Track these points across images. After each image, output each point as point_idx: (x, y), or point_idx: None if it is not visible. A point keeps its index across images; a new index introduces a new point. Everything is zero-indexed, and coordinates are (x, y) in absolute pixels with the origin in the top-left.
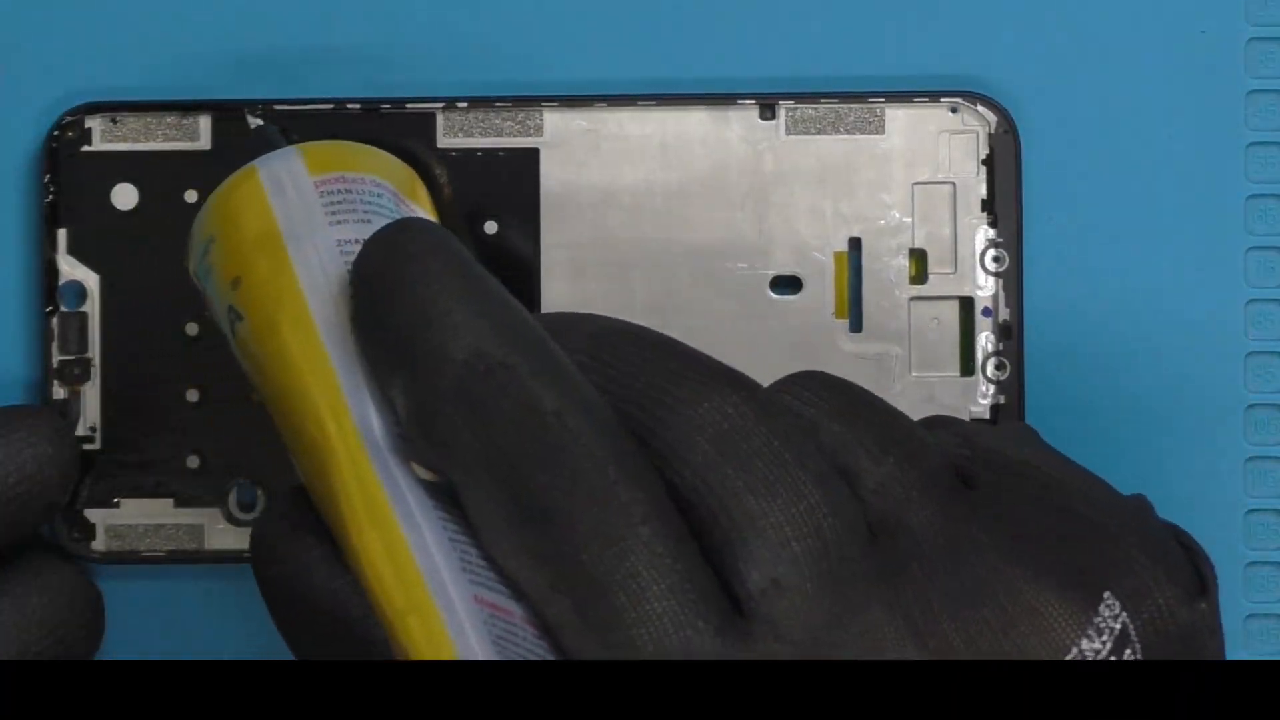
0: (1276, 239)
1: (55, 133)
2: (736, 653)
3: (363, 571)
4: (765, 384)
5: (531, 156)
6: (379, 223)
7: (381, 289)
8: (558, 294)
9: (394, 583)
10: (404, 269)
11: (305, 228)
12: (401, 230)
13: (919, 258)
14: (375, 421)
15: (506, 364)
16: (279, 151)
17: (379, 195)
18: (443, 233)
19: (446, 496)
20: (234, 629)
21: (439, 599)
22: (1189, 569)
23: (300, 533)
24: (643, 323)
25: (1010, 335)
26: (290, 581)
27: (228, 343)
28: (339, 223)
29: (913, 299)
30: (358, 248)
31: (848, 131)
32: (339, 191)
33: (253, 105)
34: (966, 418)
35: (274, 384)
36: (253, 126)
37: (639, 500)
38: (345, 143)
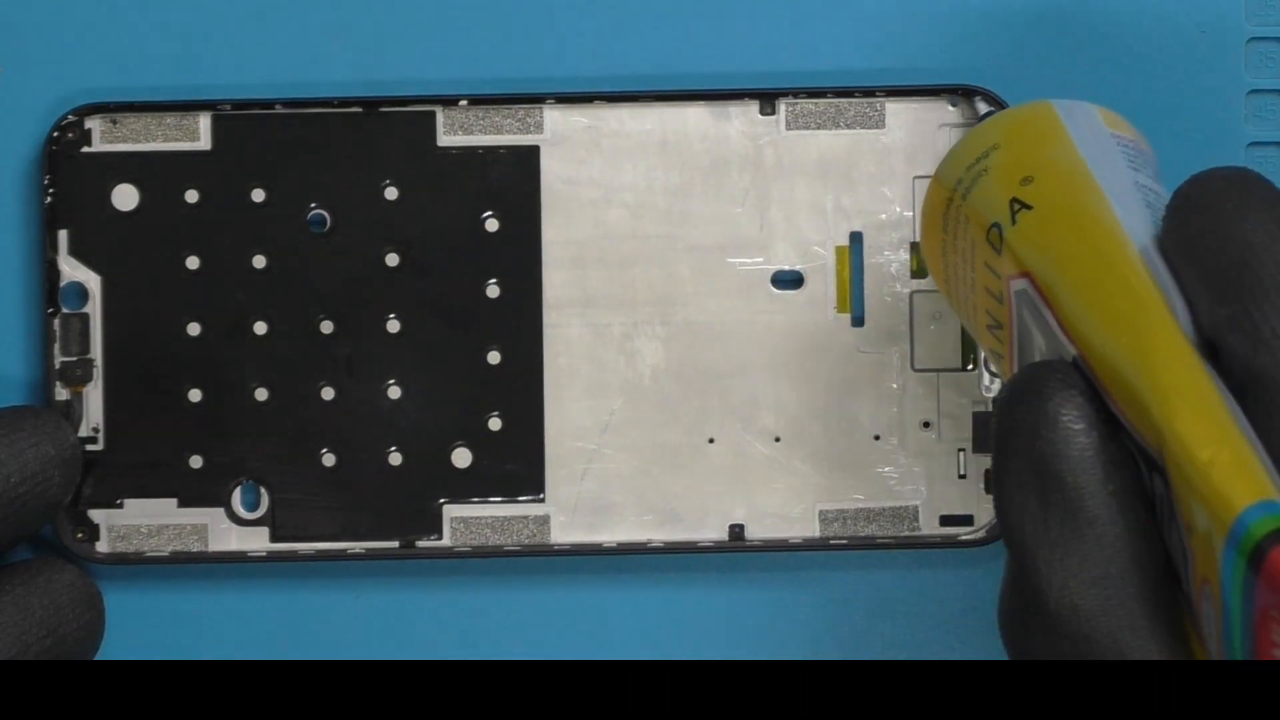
0: None
1: (55, 134)
2: None
3: (1179, 435)
4: (768, 379)
5: (532, 153)
6: (1163, 186)
7: (1226, 210)
8: (559, 290)
9: (1208, 433)
10: (1249, 197)
11: (1103, 157)
12: (1244, 175)
13: (920, 252)
14: (1180, 315)
15: None
16: (1073, 101)
17: (1159, 171)
18: (1273, 188)
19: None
20: (237, 629)
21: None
22: None
23: (1075, 391)
24: (644, 319)
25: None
26: (1056, 423)
27: (992, 235)
28: (1135, 169)
29: (914, 293)
30: (1151, 194)
31: (848, 126)
32: (1132, 147)
33: (251, 104)
34: (968, 413)
35: (1073, 255)
36: None
37: None
38: (1127, 120)
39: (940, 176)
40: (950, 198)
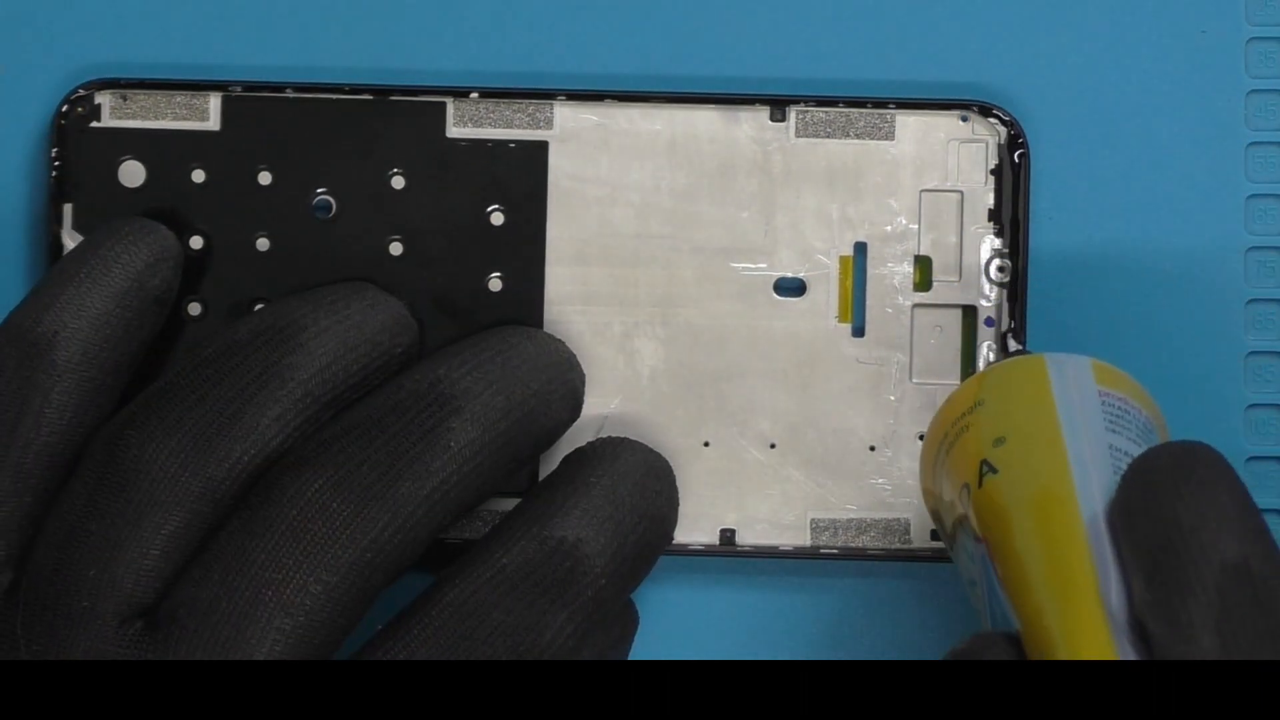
0: (1276, 239)
1: (64, 108)
2: None
3: None
4: (766, 385)
5: (540, 149)
6: (1145, 448)
7: (1163, 488)
8: (561, 287)
9: None
10: (1189, 477)
11: (1082, 419)
12: (1191, 452)
13: (924, 265)
14: (1114, 593)
15: (1268, 581)
16: (1071, 355)
17: (1148, 428)
18: (1227, 466)
19: None
20: None
21: None
22: None
23: None
24: (645, 319)
25: (1012, 345)
26: None
27: (963, 496)
28: (1113, 431)
29: (916, 306)
30: (1125, 459)
31: (857, 136)
32: (1118, 406)
33: (262, 87)
34: None
35: (1021, 525)
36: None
37: None
38: (1126, 374)
39: (934, 427)
40: (939, 451)
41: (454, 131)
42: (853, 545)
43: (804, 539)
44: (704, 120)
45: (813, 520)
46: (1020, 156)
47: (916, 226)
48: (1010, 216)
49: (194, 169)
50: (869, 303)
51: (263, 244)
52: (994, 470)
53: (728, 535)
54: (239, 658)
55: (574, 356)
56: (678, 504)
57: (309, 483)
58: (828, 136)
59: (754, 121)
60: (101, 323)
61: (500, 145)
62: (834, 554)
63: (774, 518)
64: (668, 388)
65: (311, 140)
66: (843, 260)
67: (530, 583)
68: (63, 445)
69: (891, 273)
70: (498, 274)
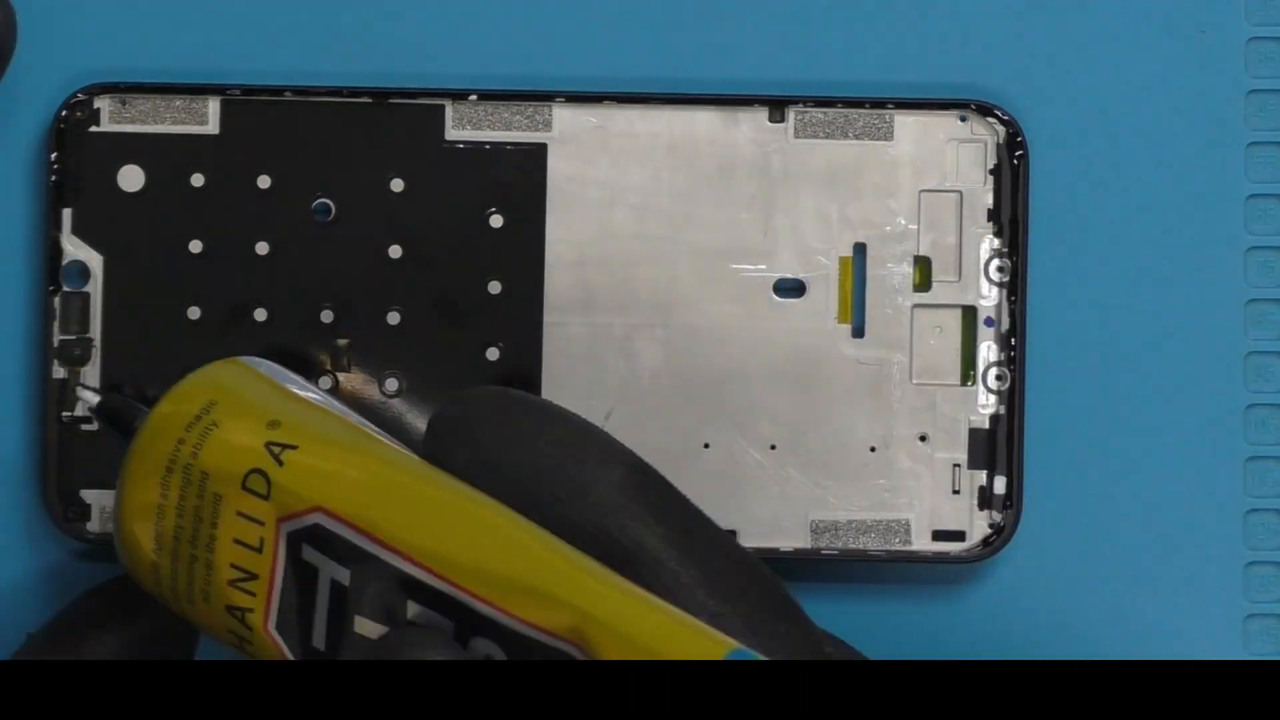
0: (1276, 239)
1: (64, 112)
2: None
3: None
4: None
5: (539, 151)
6: None
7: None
8: (560, 289)
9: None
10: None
11: (296, 384)
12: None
13: (923, 265)
14: None
15: None
16: (248, 357)
17: None
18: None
19: None
20: None
21: None
22: None
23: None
24: (645, 321)
25: (1012, 345)
26: None
27: (253, 482)
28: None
29: (916, 306)
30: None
31: (856, 136)
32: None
33: (261, 90)
34: (965, 427)
35: (370, 476)
36: (90, 405)
37: None
38: None
39: (150, 441)
40: (172, 459)
41: (453, 134)
42: (853, 547)
43: (804, 541)
44: (703, 121)
45: (813, 522)
46: (1019, 156)
47: (916, 227)
48: (1009, 216)
49: (193, 173)
50: (869, 303)
51: (262, 248)
52: (291, 446)
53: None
54: None
55: None
56: None
57: None
58: (827, 137)
59: (753, 122)
60: None
61: (499, 148)
62: (834, 555)
63: (774, 519)
64: (667, 389)
65: (311, 144)
66: (842, 261)
67: None
68: None
69: (891, 273)
70: (497, 277)
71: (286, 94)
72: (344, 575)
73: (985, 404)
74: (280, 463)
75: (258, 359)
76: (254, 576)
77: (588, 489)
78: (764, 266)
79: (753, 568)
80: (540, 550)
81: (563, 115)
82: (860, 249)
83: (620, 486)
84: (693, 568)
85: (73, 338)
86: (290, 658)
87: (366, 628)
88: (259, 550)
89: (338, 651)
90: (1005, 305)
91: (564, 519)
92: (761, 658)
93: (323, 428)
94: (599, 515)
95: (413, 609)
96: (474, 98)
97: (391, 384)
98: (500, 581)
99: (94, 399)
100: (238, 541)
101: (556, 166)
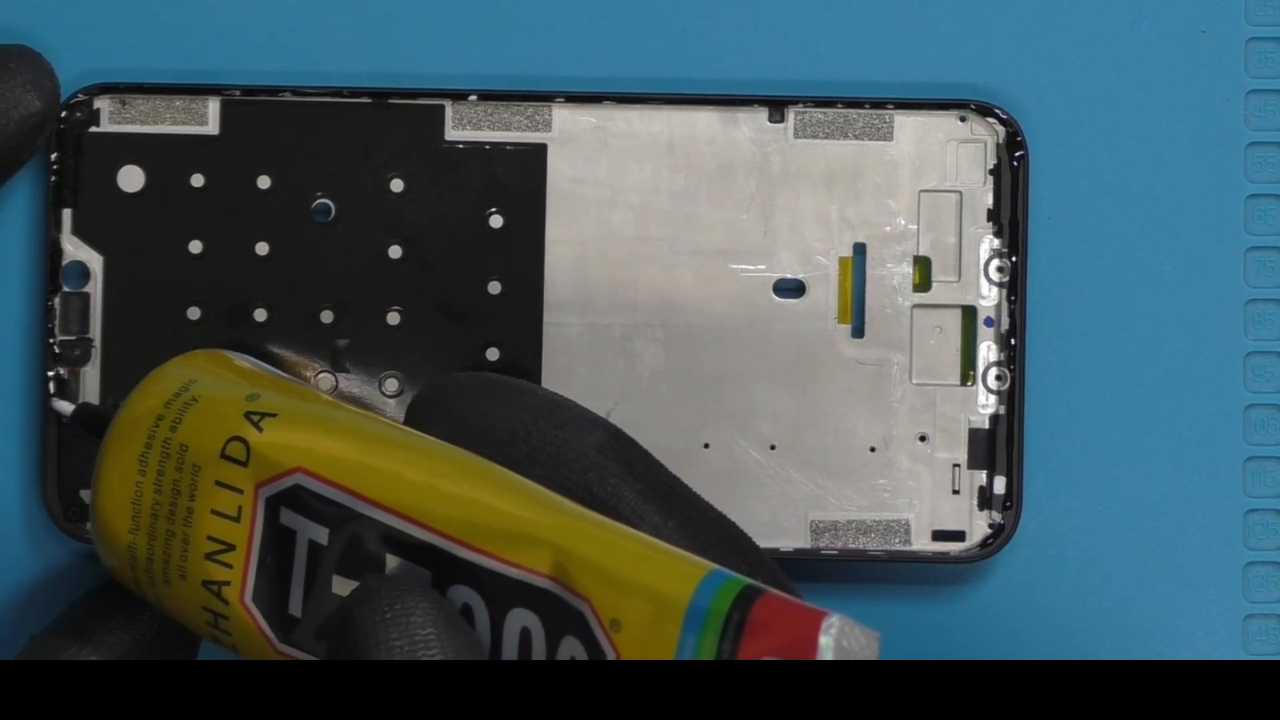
0: (1276, 239)
1: (63, 112)
2: None
3: None
4: (765, 386)
5: (539, 151)
6: None
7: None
8: (560, 290)
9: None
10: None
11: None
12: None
13: (923, 265)
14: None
15: None
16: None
17: None
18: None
19: None
20: None
21: None
22: None
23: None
24: (645, 321)
25: (1012, 345)
26: None
27: (233, 449)
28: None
29: (915, 306)
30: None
31: (856, 137)
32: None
33: (260, 91)
34: (964, 428)
35: (351, 431)
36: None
37: None
38: None
39: (130, 420)
40: (151, 434)
41: (452, 134)
42: (853, 547)
43: (804, 541)
44: (703, 122)
45: (813, 522)
46: (1019, 156)
47: (915, 227)
48: (1009, 216)
49: (193, 173)
50: (868, 303)
51: (262, 248)
52: (270, 415)
53: None
54: None
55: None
56: None
57: None
58: (826, 137)
59: (752, 123)
60: None
61: (499, 148)
62: (834, 555)
63: (774, 519)
64: (667, 390)
65: (310, 144)
66: (842, 261)
67: None
68: None
69: (891, 273)
70: (496, 277)
71: (286, 94)
72: (322, 535)
73: (985, 404)
74: (260, 429)
75: (240, 354)
76: (231, 547)
77: (566, 449)
78: (764, 267)
79: (728, 527)
80: (519, 494)
81: (562, 115)
82: (860, 249)
83: (600, 448)
84: (671, 519)
85: (73, 338)
86: (266, 632)
87: (344, 587)
88: (236, 519)
89: (316, 615)
90: (1005, 305)
91: (544, 480)
92: (739, 576)
93: (302, 400)
94: (578, 473)
95: (391, 563)
96: (474, 98)
97: (391, 384)
98: (480, 526)
99: (68, 408)
100: (216, 513)
101: (556, 167)
